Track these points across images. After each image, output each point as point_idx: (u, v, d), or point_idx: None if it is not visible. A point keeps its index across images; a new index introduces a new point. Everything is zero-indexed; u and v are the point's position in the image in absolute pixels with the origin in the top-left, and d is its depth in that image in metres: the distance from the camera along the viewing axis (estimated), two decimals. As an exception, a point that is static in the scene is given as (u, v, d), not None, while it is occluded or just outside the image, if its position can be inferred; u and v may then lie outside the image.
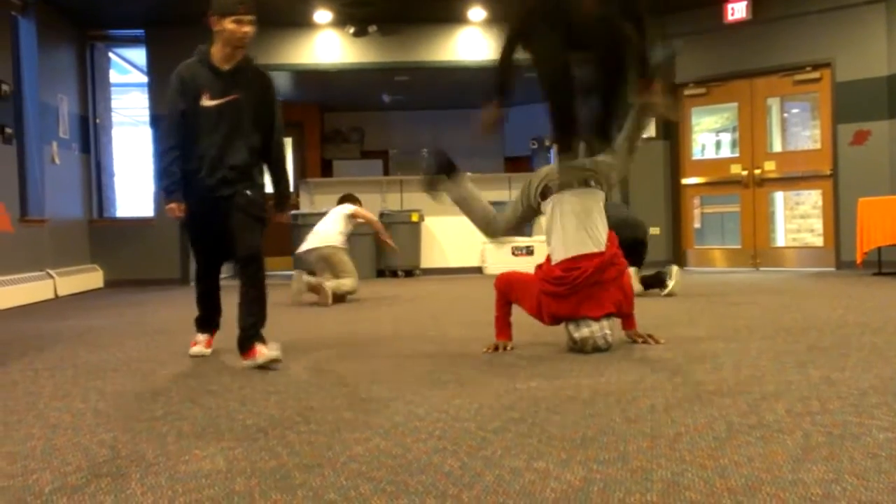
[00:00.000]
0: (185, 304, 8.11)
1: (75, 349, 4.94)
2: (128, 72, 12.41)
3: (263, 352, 3.92)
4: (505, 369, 3.75)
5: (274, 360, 3.87)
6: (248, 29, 4.05)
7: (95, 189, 10.87)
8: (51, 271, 9.11)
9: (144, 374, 3.94)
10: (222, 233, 4.16)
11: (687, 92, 11.19)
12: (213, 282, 4.51)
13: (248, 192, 4.13)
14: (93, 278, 10.29)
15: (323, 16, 10.66)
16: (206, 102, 4.08)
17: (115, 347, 4.96)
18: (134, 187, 12.64)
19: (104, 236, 10.65)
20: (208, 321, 4.55)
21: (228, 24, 4.02)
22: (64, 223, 9.81)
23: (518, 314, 4.41)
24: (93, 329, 6.01)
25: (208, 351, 4.47)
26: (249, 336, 4.02)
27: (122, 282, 10.44)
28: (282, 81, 12.25)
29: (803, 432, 2.46)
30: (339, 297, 7.49)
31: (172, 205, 4.14)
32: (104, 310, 7.65)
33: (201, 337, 4.53)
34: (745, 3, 10.34)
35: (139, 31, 10.84)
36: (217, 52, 4.13)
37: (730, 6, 10.43)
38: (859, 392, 3.02)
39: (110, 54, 11.47)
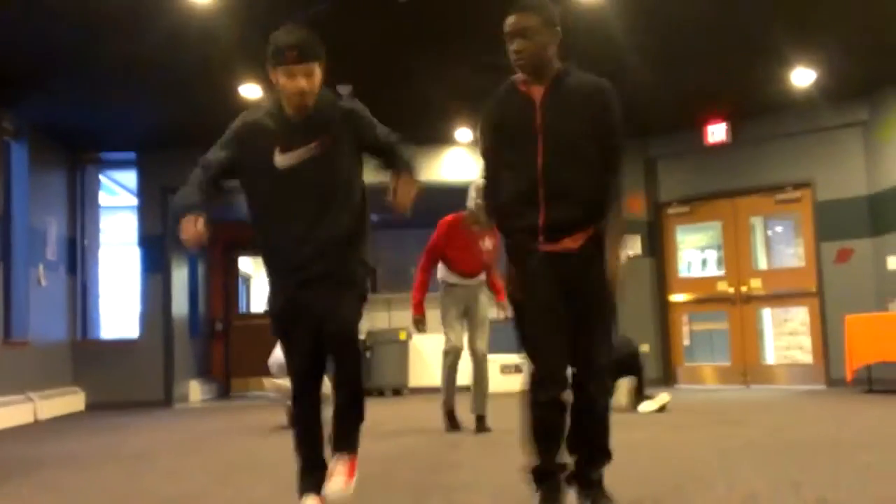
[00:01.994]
0: (166, 426, 7.98)
1: (56, 474, 4.81)
2: (117, 193, 12.54)
3: (334, 481, 3.05)
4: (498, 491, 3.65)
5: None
6: (302, 84, 3.09)
7: (80, 310, 10.81)
8: (31, 394, 8.95)
9: (125, 501, 3.82)
10: (318, 326, 3.16)
11: (671, 210, 11.34)
12: (314, 400, 3.26)
13: (349, 267, 3.24)
14: (74, 401, 10.11)
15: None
16: (282, 161, 3.14)
17: (94, 472, 4.83)
18: (119, 307, 12.59)
19: (87, 357, 10.51)
20: (312, 471, 3.20)
21: (280, 77, 3.12)
22: (47, 344, 9.70)
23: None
24: (73, 454, 5.86)
25: None
26: (337, 446, 3.17)
27: (105, 404, 10.22)
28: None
29: (801, 557, 2.39)
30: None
31: (188, 218, 3.04)
32: (85, 434, 7.48)
33: (309, 501, 3.14)
34: (724, 126, 10.59)
35: (131, 155, 11.00)
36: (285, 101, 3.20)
37: (709, 129, 10.68)
38: (856, 513, 2.95)
39: (101, 176, 11.59)
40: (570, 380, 3.05)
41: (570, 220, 3.09)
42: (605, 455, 3.10)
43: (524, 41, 3.10)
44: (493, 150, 3.28)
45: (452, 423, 6.25)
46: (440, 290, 6.34)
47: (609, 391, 3.21)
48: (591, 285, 3.09)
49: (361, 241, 3.28)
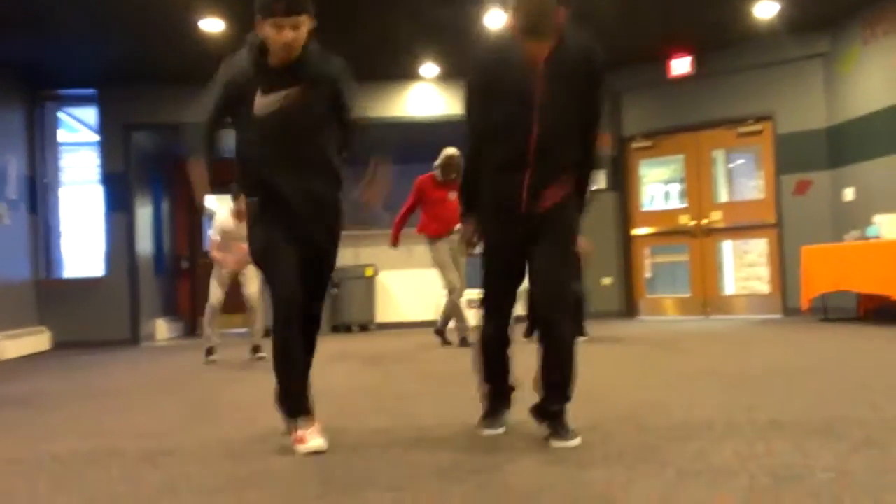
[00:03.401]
0: (133, 365, 8.03)
1: (22, 413, 4.85)
2: (77, 130, 12.35)
3: (313, 441, 3.23)
4: (460, 425, 3.77)
5: (316, 451, 3.19)
6: (289, 36, 3.17)
7: (43, 249, 10.74)
8: (-3, 334, 8.94)
9: (98, 437, 3.89)
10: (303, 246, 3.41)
11: (634, 145, 11.43)
12: (298, 328, 3.35)
13: (335, 218, 3.58)
14: (40, 340, 10.11)
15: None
16: (263, 105, 3.29)
17: (62, 410, 4.88)
18: (82, 246, 12.51)
19: (52, 297, 10.49)
20: (297, 399, 3.34)
21: (267, 29, 3.19)
22: (11, 284, 9.66)
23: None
24: (40, 392, 5.90)
25: (318, 441, 3.21)
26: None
27: (71, 343, 10.25)
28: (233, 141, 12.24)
29: (749, 475, 2.52)
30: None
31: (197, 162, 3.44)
32: (52, 372, 7.51)
33: (292, 426, 3.33)
34: (688, 59, 10.64)
35: (90, 91, 10.82)
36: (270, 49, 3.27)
37: (673, 62, 10.72)
38: (804, 434, 3.10)
39: (60, 113, 11.41)
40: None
41: (551, 180, 3.24)
42: (564, 394, 3.20)
43: None
44: (480, 110, 3.31)
45: (444, 339, 8.17)
46: (431, 244, 7.83)
47: (572, 325, 3.33)
48: (558, 227, 3.26)
49: (341, 168, 3.56)
